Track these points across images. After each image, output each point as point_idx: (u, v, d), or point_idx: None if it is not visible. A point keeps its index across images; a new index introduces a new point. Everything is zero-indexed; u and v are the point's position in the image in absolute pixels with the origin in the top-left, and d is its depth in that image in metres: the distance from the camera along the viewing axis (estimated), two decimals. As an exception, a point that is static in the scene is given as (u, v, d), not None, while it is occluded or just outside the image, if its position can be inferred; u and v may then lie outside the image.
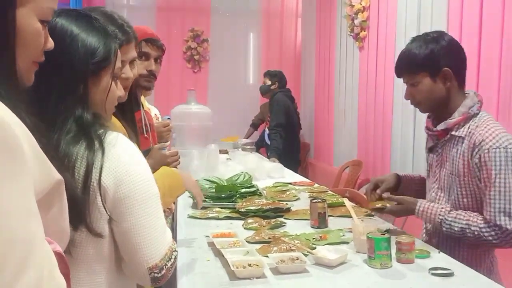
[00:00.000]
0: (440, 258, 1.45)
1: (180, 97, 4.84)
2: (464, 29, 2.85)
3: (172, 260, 1.00)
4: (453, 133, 1.56)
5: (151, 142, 1.97)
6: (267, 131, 4.31)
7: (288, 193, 2.38)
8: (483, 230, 1.45)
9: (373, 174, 4.22)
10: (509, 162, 1.43)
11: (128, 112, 1.40)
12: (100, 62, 0.97)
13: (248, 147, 3.98)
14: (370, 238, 1.38)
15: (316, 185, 2.69)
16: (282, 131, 4.28)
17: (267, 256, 1.42)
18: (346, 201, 1.73)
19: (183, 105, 3.19)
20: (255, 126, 5.14)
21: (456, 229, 1.49)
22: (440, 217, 1.54)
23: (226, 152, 3.51)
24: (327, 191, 2.46)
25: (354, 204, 2.29)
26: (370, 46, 4.29)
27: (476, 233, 1.46)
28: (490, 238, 1.44)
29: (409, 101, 1.66)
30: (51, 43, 0.75)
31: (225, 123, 5.64)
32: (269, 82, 4.39)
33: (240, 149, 3.81)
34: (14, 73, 0.66)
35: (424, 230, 1.74)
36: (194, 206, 2.15)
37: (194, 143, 3.08)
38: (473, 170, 1.49)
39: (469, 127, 1.53)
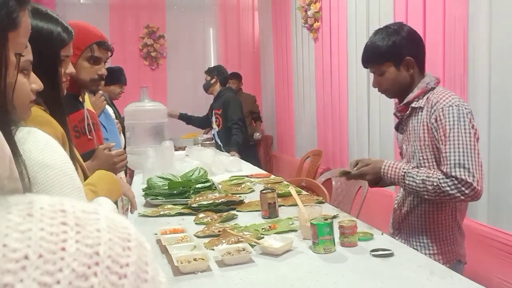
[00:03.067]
0: (383, 240, 1.48)
1: (138, 96, 4.76)
2: (410, 17, 2.92)
3: None
4: (413, 105, 1.67)
5: (96, 142, 1.92)
6: (215, 130, 4.28)
7: (243, 185, 2.39)
8: (441, 181, 1.51)
9: (332, 163, 4.29)
10: (461, 119, 1.53)
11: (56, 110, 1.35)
12: None
13: (208, 142, 3.96)
14: (313, 224, 1.40)
15: (272, 176, 2.71)
16: (243, 126, 4.28)
17: (213, 249, 1.42)
18: (291, 189, 1.74)
19: (136, 103, 3.13)
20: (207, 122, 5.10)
21: (417, 181, 1.56)
22: (404, 170, 1.61)
23: (184, 149, 3.48)
24: (282, 182, 2.48)
25: (308, 193, 2.33)
26: (324, 36, 4.33)
27: (435, 183, 1.52)
28: (448, 188, 1.50)
29: (366, 89, 1.74)
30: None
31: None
32: (209, 78, 4.37)
33: (199, 145, 3.78)
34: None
35: (391, 221, 1.79)
36: (147, 204, 2.13)
37: (149, 141, 3.03)
38: (431, 132, 1.59)
39: (427, 98, 1.65)
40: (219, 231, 1.62)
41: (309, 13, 4.44)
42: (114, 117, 3.23)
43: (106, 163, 1.74)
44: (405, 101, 1.69)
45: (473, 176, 1.49)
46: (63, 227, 0.31)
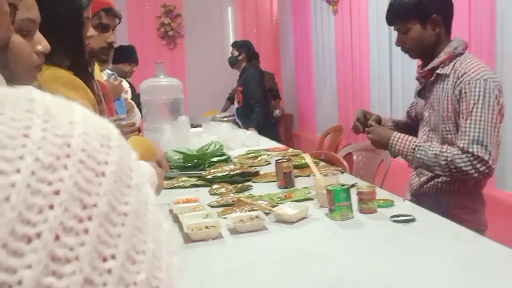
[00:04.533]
0: (404, 206, 1.41)
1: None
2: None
3: None
4: (438, 71, 1.59)
5: (107, 113, 1.90)
6: (235, 106, 4.21)
7: (259, 158, 2.33)
8: (455, 156, 1.45)
9: (354, 138, 4.19)
10: (487, 94, 1.44)
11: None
12: None
13: (226, 119, 3.91)
14: (329, 190, 1.34)
15: (290, 149, 2.64)
16: (264, 104, 4.22)
17: (226, 218, 1.37)
18: (306, 156, 1.68)
19: (151, 79, 3.08)
20: (231, 99, 5.05)
21: (430, 154, 1.49)
22: (415, 143, 1.54)
23: (201, 126, 3.44)
24: (299, 154, 2.41)
25: (326, 164, 2.25)
26: (343, 8, 4.20)
27: (449, 158, 1.46)
28: (462, 164, 1.44)
29: (387, 61, 1.67)
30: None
31: (205, 98, 5.57)
32: (236, 53, 4.28)
33: (218, 122, 3.73)
34: None
35: (408, 189, 1.72)
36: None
37: (165, 117, 2.99)
38: (455, 104, 1.51)
39: (454, 65, 1.56)
40: (233, 201, 1.57)
41: (328, -16, 4.30)
42: (130, 93, 3.22)
43: None
44: (429, 66, 1.60)
45: (490, 154, 1.43)
46: (28, 114, 0.25)
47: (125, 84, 3.16)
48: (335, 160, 2.55)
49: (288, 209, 1.41)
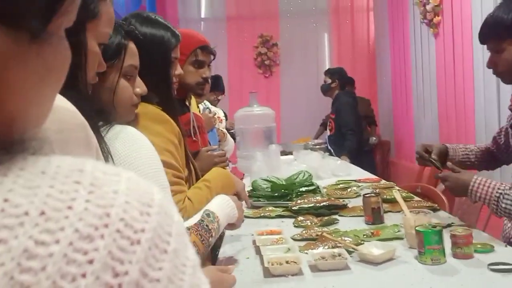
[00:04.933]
0: (506, 253, 1.26)
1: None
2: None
3: None
4: None
5: (200, 144, 1.99)
6: (327, 134, 4.15)
7: (349, 190, 2.27)
8: None
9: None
10: None
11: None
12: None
13: (318, 147, 3.87)
14: (418, 232, 1.25)
15: (382, 181, 2.53)
16: (357, 131, 4.12)
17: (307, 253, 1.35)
18: (395, 193, 1.59)
19: (245, 108, 3.19)
20: (325, 125, 5.01)
21: None
22: (499, 191, 1.37)
23: (291, 153, 3.45)
24: (392, 187, 2.30)
25: (423, 200, 2.11)
26: (445, 31, 3.98)
27: None
28: None
29: (495, 89, 1.55)
30: (102, 65, 0.85)
31: (299, 125, 5.60)
32: (329, 80, 4.24)
33: (309, 150, 3.72)
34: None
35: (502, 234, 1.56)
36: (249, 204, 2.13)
37: (258, 145, 3.05)
38: None
39: None
40: (316, 235, 1.54)
41: (428, 7, 4.12)
42: (224, 122, 3.35)
43: (208, 163, 1.79)
44: None
45: None
46: (75, 186, 0.28)
47: (220, 113, 3.30)
48: (432, 194, 2.39)
49: (374, 248, 1.34)
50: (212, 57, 1.94)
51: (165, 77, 1.36)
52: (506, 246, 1.32)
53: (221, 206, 1.20)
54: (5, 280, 0.24)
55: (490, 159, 1.81)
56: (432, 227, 1.26)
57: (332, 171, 2.81)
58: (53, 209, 0.26)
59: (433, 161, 1.66)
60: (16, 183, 0.27)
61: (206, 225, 1.10)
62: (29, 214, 0.26)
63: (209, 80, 1.95)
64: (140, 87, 1.10)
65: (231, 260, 1.40)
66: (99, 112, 0.97)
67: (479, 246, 1.29)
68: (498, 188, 1.39)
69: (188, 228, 1.06)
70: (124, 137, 0.95)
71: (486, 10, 3.17)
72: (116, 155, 0.92)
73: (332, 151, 3.99)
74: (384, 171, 5.48)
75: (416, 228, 1.26)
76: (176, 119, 1.34)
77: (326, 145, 4.15)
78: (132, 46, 1.06)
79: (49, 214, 0.26)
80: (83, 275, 0.25)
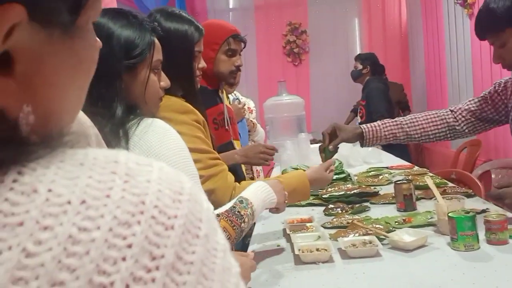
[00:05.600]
0: (544, 239, 1.23)
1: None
2: None
3: None
4: None
5: (232, 135, 2.03)
6: (357, 122, 4.08)
7: (381, 177, 2.25)
8: None
9: (494, 154, 3.77)
10: None
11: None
12: (136, 57, 1.01)
13: (349, 134, 3.82)
14: (451, 218, 1.23)
15: (416, 168, 2.49)
16: (390, 117, 4.04)
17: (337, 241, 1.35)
18: (428, 179, 1.56)
19: (274, 97, 3.19)
20: (355, 111, 4.94)
21: None
22: None
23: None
24: (426, 173, 2.26)
25: (456, 185, 2.07)
26: (481, 11, 3.83)
27: None
28: None
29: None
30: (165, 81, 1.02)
31: (330, 112, 5.53)
32: (360, 66, 4.16)
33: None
34: None
35: None
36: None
37: (287, 134, 3.06)
38: None
39: None
40: (347, 223, 1.54)
41: (462, -13, 3.97)
42: (255, 109, 3.36)
43: (253, 149, 1.89)
44: None
45: None
46: (112, 176, 0.30)
47: (250, 103, 3.32)
48: (468, 180, 2.33)
49: (405, 235, 1.33)
50: (243, 45, 1.97)
51: (188, 71, 1.39)
52: (543, 231, 1.28)
53: (256, 192, 1.21)
54: (53, 263, 0.26)
55: (445, 128, 1.73)
56: (466, 213, 1.23)
57: (363, 158, 2.79)
58: (92, 197, 0.29)
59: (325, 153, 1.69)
60: (57, 175, 0.29)
61: (238, 211, 1.12)
62: (71, 202, 0.28)
63: (240, 69, 1.98)
64: (164, 80, 1.13)
65: (262, 247, 1.42)
66: (131, 107, 1.00)
67: (515, 232, 1.26)
68: None
69: (218, 215, 1.09)
70: (154, 130, 0.98)
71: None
72: (148, 146, 0.95)
73: None
74: (418, 157, 5.37)
75: (449, 214, 1.24)
76: (200, 110, 1.37)
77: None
78: (157, 41, 1.09)
79: (89, 203, 0.28)
80: (123, 259, 0.27)
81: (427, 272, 1.12)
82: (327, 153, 1.74)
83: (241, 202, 1.16)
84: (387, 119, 1.83)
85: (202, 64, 1.48)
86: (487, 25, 1.41)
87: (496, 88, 1.65)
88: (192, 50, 1.40)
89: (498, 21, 1.37)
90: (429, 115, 1.74)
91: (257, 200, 1.19)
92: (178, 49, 1.34)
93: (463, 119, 1.69)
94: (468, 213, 1.23)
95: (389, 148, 3.54)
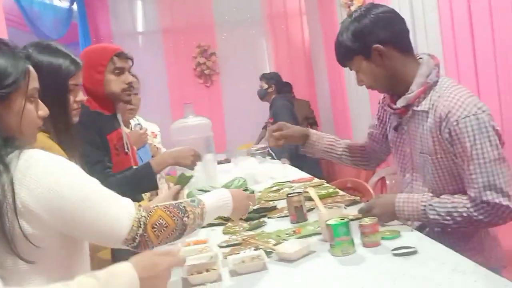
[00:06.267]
0: (411, 237, 1.35)
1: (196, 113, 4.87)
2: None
3: (142, 226, 1.04)
4: (415, 108, 1.45)
5: (132, 161, 2.02)
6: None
7: (281, 191, 2.32)
8: (471, 209, 1.32)
9: (388, 162, 4.05)
10: (483, 130, 1.30)
11: (62, 131, 1.41)
12: (8, 86, 0.98)
13: (259, 152, 3.93)
14: (328, 225, 1.31)
15: (315, 179, 2.60)
16: None
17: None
18: (310, 190, 1.65)
19: (180, 120, 3.19)
20: (267, 129, 5.10)
21: (442, 213, 1.36)
22: (423, 203, 1.40)
23: (229, 161, 3.48)
24: (322, 184, 2.38)
25: (350, 194, 2.20)
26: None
27: (465, 214, 1.33)
28: (481, 217, 1.32)
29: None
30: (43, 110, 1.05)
31: (244, 131, 5.65)
32: (265, 86, 4.32)
33: (250, 156, 3.77)
34: None
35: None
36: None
37: (195, 155, 3.05)
38: (445, 146, 1.37)
39: (431, 99, 1.41)
40: (243, 240, 1.57)
41: (353, 8, 4.29)
42: (159, 137, 3.34)
43: (186, 151, 2.08)
44: (403, 103, 1.45)
45: (508, 196, 1.29)
46: None
47: (154, 128, 3.29)
48: (361, 188, 2.49)
49: (290, 246, 1.39)
50: (130, 62, 1.97)
51: (62, 104, 1.38)
52: (412, 230, 1.40)
53: (213, 196, 1.29)
54: None
55: (363, 155, 1.92)
56: (341, 219, 1.32)
57: (269, 174, 2.86)
58: None
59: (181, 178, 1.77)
60: None
61: (183, 207, 1.15)
62: None
63: (133, 85, 2.00)
64: (43, 109, 1.10)
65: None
66: (8, 140, 0.96)
67: (387, 233, 1.37)
68: (421, 201, 1.40)
69: (157, 206, 1.11)
70: (39, 161, 0.95)
71: (404, 14, 3.35)
72: (37, 181, 0.93)
73: (273, 154, 4.05)
74: (329, 169, 5.62)
75: (326, 222, 1.32)
76: (71, 146, 1.36)
77: (267, 149, 4.21)
78: (32, 69, 1.06)
79: None
80: None
81: (308, 280, 1.18)
82: (183, 179, 1.77)
83: (192, 201, 1.20)
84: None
85: (80, 97, 1.47)
86: (340, 55, 1.52)
87: (380, 103, 1.76)
88: (65, 84, 1.39)
89: (346, 51, 1.48)
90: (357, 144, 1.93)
91: (210, 202, 1.25)
92: (51, 82, 1.32)
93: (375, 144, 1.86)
94: (343, 219, 1.32)
95: (299, 162, 3.68)
